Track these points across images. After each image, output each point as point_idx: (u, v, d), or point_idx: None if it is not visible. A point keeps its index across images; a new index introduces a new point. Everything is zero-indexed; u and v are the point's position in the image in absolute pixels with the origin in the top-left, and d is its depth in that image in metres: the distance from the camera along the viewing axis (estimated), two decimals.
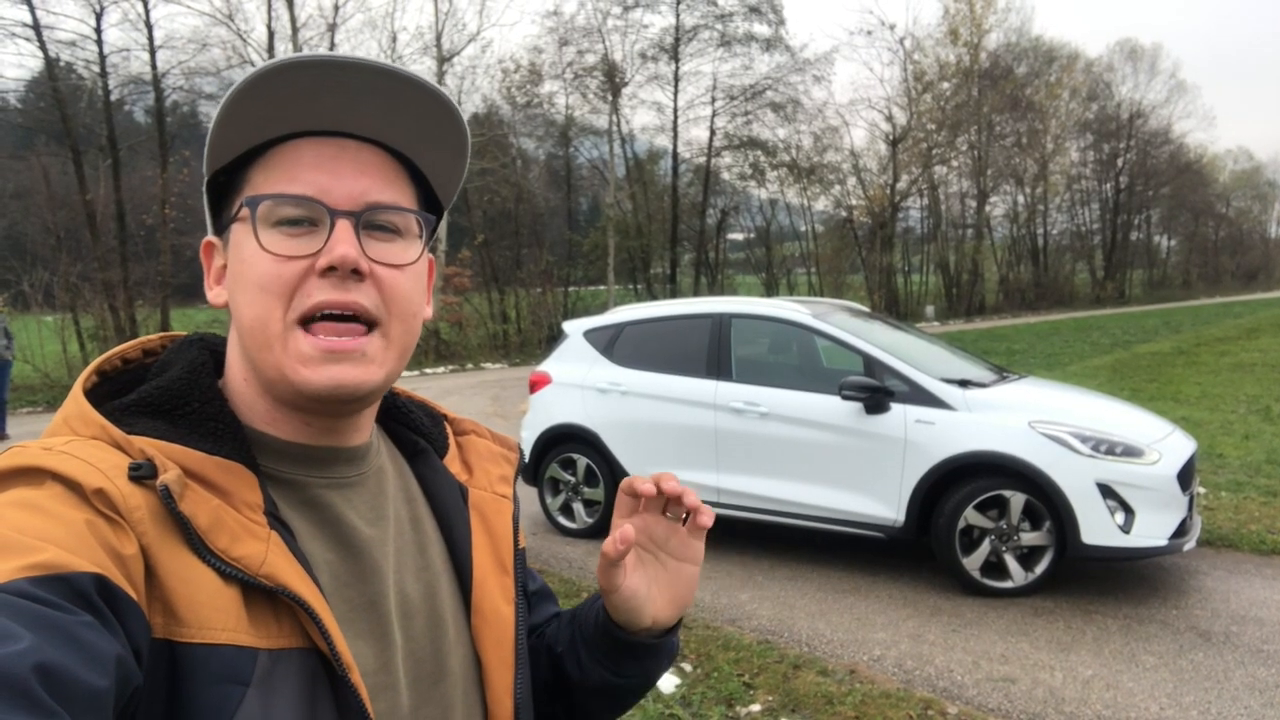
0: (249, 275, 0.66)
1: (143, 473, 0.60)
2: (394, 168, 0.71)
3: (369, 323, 0.68)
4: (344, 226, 0.66)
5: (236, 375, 0.71)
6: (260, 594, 0.61)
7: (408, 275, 0.70)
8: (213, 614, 0.58)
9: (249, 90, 0.64)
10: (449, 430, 0.89)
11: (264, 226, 0.66)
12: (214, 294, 0.73)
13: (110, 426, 0.63)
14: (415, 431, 0.86)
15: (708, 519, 0.80)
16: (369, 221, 0.68)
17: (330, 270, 0.65)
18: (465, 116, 0.72)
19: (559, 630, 0.90)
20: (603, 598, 0.83)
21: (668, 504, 0.81)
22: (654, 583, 0.82)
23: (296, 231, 0.66)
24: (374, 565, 0.72)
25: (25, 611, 0.48)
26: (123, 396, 0.68)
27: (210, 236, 0.74)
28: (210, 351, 0.74)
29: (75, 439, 0.62)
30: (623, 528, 0.76)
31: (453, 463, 0.86)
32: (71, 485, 0.57)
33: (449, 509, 0.82)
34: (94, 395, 0.68)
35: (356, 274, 0.66)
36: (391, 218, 0.69)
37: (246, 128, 0.67)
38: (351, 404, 0.70)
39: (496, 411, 12.33)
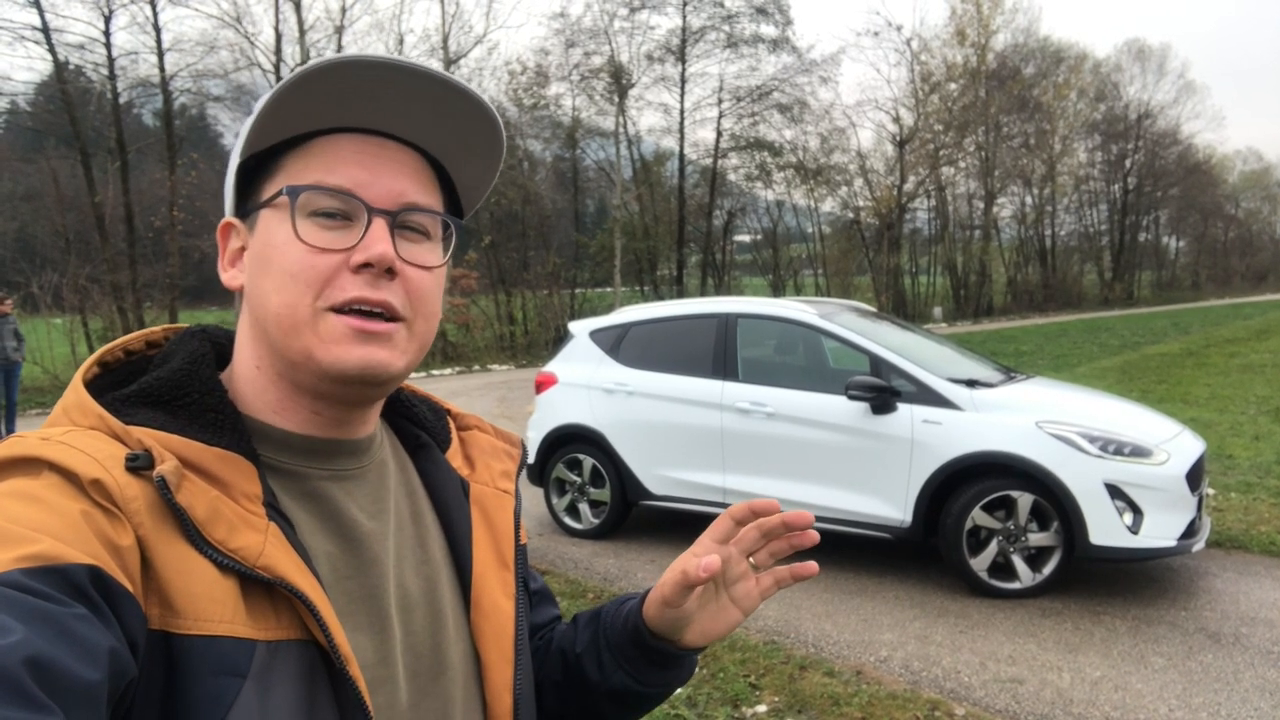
0: (280, 262, 0.67)
1: (140, 463, 0.59)
2: (428, 173, 0.72)
3: (395, 319, 0.68)
4: (380, 225, 0.67)
5: (247, 362, 0.71)
6: (258, 586, 0.61)
7: (434, 277, 0.71)
8: (210, 605, 0.58)
9: (303, 82, 0.64)
10: (452, 425, 0.89)
11: (300, 215, 0.66)
12: (229, 275, 0.73)
13: (108, 417, 0.62)
14: (418, 425, 0.86)
15: (810, 569, 0.84)
16: (402, 222, 0.69)
17: (365, 267, 0.66)
18: None
19: (577, 632, 0.90)
20: (648, 604, 0.83)
21: (767, 533, 0.83)
22: (702, 609, 0.83)
23: (332, 224, 0.67)
24: (374, 558, 0.71)
25: (18, 603, 0.47)
26: (124, 388, 0.67)
27: (230, 218, 0.73)
28: (212, 343, 0.74)
29: (74, 429, 0.62)
30: (711, 558, 0.76)
31: (455, 457, 0.86)
32: (68, 475, 0.57)
33: (450, 503, 0.81)
34: (95, 386, 0.67)
35: (389, 273, 0.67)
36: (424, 220, 0.71)
37: (295, 117, 0.67)
38: (374, 388, 0.70)
39: (503, 413, 12.34)
